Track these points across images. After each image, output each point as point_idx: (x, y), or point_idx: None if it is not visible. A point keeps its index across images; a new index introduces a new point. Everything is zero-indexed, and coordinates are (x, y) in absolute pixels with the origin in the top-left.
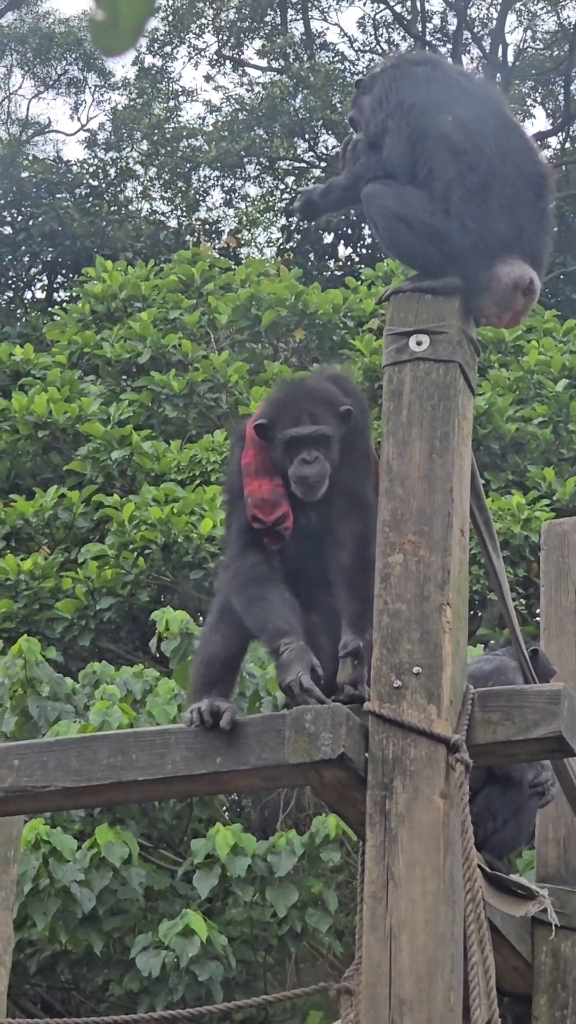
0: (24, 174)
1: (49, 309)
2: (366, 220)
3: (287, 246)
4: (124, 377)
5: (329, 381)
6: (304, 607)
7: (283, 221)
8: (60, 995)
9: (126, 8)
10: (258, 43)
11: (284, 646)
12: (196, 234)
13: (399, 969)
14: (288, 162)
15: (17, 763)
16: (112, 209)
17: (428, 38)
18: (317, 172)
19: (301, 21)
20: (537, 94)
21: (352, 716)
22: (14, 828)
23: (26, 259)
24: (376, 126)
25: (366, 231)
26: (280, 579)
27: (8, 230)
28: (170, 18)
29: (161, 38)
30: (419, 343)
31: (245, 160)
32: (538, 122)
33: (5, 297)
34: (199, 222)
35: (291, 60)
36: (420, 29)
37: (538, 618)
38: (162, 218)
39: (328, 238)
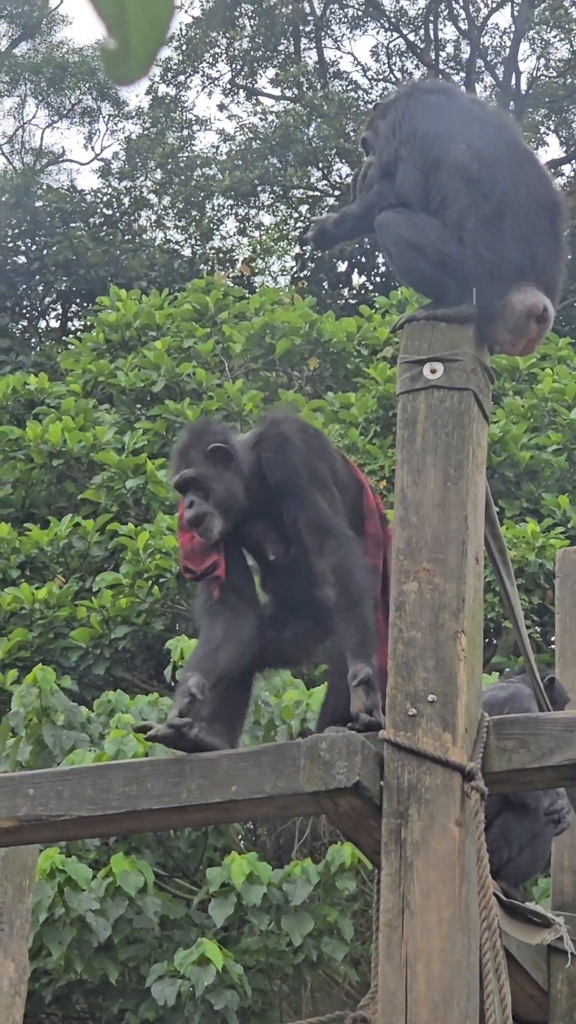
0: (38, 203)
1: (63, 338)
2: (380, 248)
3: (301, 274)
4: (138, 406)
5: (262, 422)
6: (303, 643)
7: (297, 249)
8: None
9: (138, 37)
10: (272, 72)
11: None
12: (210, 263)
13: (415, 997)
14: (302, 191)
15: (32, 792)
16: (126, 238)
17: (441, 66)
18: (331, 200)
19: (315, 50)
20: (550, 122)
21: (367, 744)
22: (29, 857)
23: (40, 288)
24: (390, 154)
25: (380, 259)
26: (228, 615)
27: (22, 259)
28: (183, 47)
29: (175, 67)
30: (433, 371)
31: (259, 189)
32: (551, 150)
33: (19, 326)
34: (213, 251)
35: (305, 89)
36: (433, 58)
37: (553, 646)
38: (176, 247)
39: (342, 266)
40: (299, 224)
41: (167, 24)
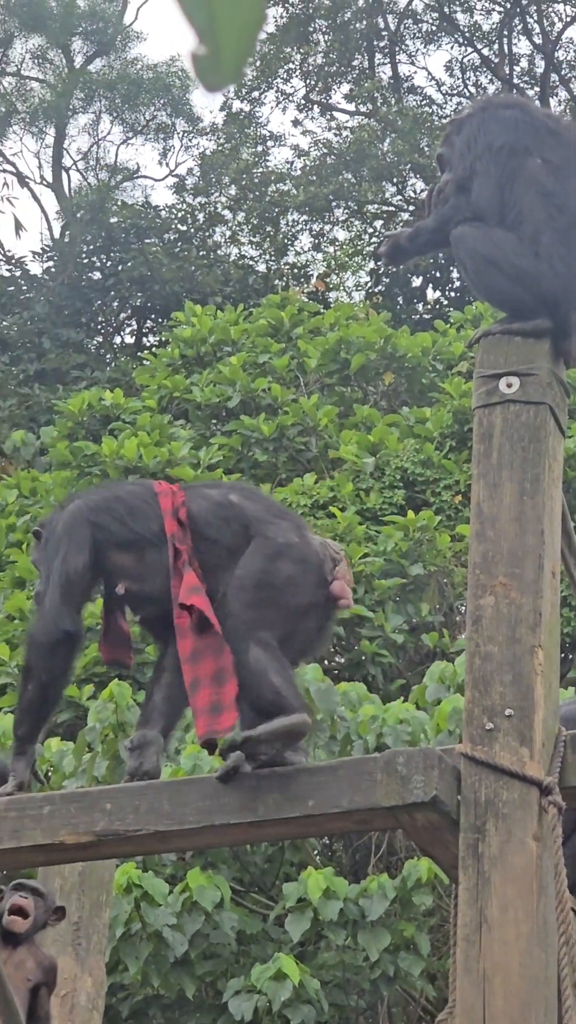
0: (113, 219)
1: (139, 354)
2: (455, 263)
3: (376, 290)
4: (214, 421)
5: None
6: None
7: (371, 265)
8: None
9: (228, 43)
10: (346, 87)
11: None
12: (285, 278)
13: (493, 1012)
14: (376, 206)
15: (109, 807)
16: (201, 254)
17: (516, 81)
18: (405, 216)
19: (389, 65)
20: None
21: (444, 759)
22: (106, 872)
23: (115, 304)
24: (465, 168)
25: (455, 274)
26: (161, 674)
27: (98, 275)
28: (258, 63)
29: (249, 83)
30: (509, 385)
31: (333, 204)
32: None
33: (95, 342)
34: (288, 266)
35: (379, 104)
36: (508, 72)
37: None
38: (251, 262)
39: (417, 281)
40: (373, 239)
41: (257, 30)
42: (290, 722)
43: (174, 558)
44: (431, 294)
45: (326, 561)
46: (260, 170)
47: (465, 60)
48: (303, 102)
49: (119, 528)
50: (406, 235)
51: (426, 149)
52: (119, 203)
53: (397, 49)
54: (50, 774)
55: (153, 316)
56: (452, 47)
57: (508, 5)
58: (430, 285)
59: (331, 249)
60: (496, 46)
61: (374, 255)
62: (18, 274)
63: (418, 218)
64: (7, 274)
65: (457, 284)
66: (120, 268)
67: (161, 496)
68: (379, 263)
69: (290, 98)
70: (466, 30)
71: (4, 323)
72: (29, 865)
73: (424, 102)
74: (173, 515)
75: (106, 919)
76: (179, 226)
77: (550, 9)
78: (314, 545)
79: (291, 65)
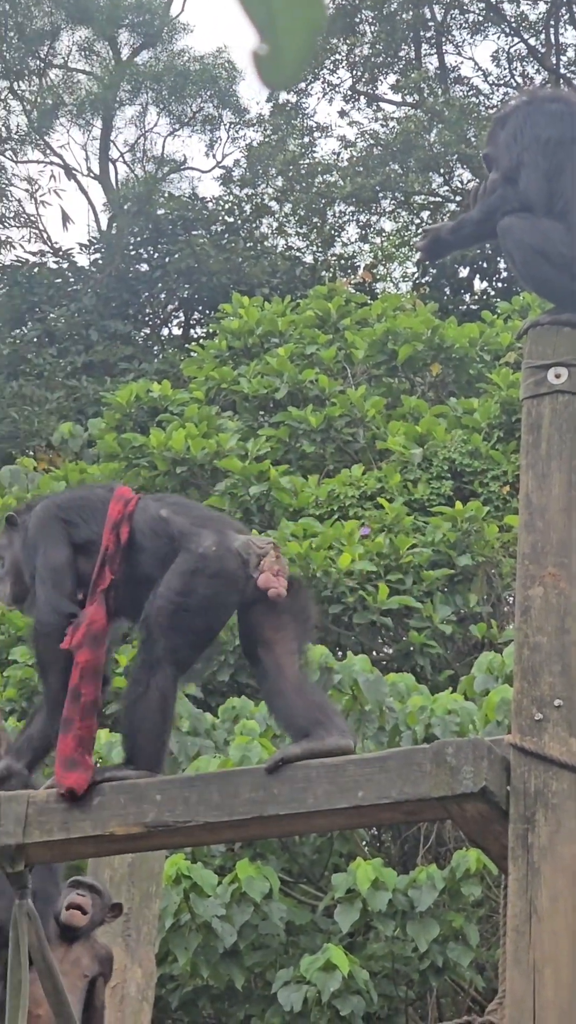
0: (160, 211)
1: (186, 345)
2: (502, 254)
3: (423, 281)
4: (261, 412)
5: None
6: None
7: (418, 256)
8: None
9: (288, 40)
10: (392, 78)
11: None
12: (332, 269)
13: (543, 1003)
14: (423, 197)
15: (159, 798)
16: (248, 245)
17: (563, 71)
18: (452, 206)
19: (435, 55)
20: None
21: (493, 749)
22: (156, 863)
23: (163, 296)
24: (512, 160)
25: (502, 264)
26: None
27: (145, 267)
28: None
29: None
30: (558, 376)
31: (380, 195)
32: None
33: (142, 334)
34: (335, 257)
35: (425, 95)
36: (555, 62)
37: None
38: (298, 254)
39: (464, 272)
40: (420, 230)
41: (319, 27)
42: (135, 775)
43: (98, 576)
44: (478, 284)
45: (249, 559)
46: (307, 161)
47: (512, 50)
48: (349, 93)
49: (84, 528)
50: (448, 228)
51: (473, 140)
52: (166, 195)
53: (444, 39)
54: (99, 765)
55: (200, 308)
56: (499, 37)
57: None
58: (477, 276)
59: (378, 240)
60: (543, 36)
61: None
62: (65, 266)
63: (465, 209)
64: (55, 266)
65: (504, 275)
66: (167, 260)
67: (113, 503)
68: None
69: (336, 89)
70: (513, 20)
71: (52, 315)
72: (79, 856)
73: (471, 92)
74: (113, 527)
75: (156, 910)
76: (226, 217)
77: None
78: (234, 548)
79: (337, 56)
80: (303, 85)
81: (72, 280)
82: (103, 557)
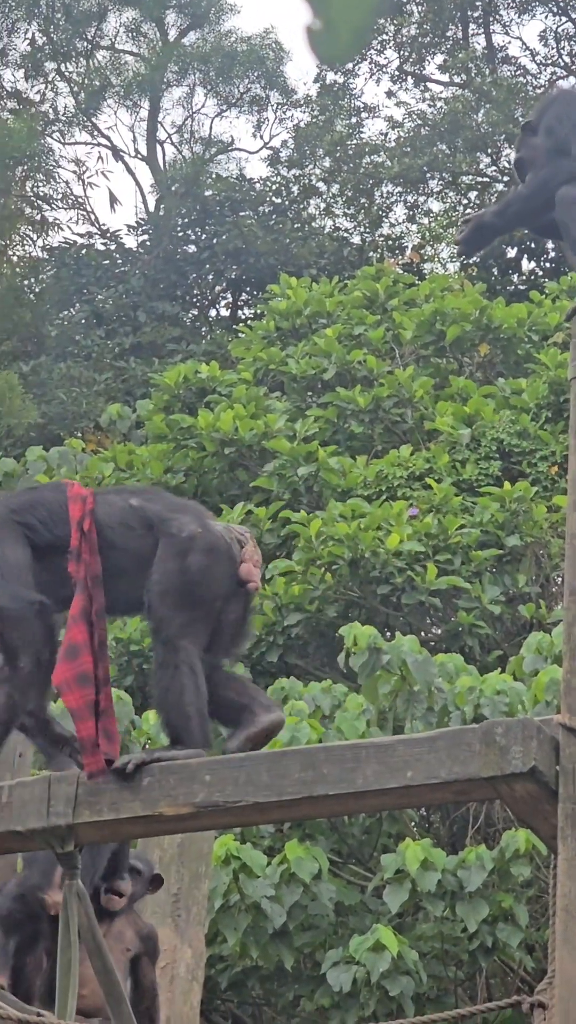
0: (208, 192)
1: (234, 327)
2: (558, 224)
3: (470, 261)
4: (309, 393)
5: None
6: None
7: (457, 250)
8: (251, 1010)
9: (343, 16)
10: (440, 58)
11: None
12: (379, 250)
13: None
14: (471, 177)
15: (209, 779)
16: (295, 226)
17: None
18: (499, 187)
19: (483, 35)
20: None
21: (543, 729)
22: (205, 844)
23: (210, 277)
24: (559, 138)
25: (550, 244)
26: None
27: (192, 248)
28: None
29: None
30: None
31: (428, 175)
32: None
33: (190, 315)
34: (382, 238)
35: (473, 74)
36: None
37: None
38: (345, 234)
39: (511, 252)
40: (468, 210)
41: (374, 5)
42: (183, 759)
43: (75, 572)
44: (526, 265)
45: (232, 544)
46: (354, 142)
47: (559, 30)
48: (397, 73)
49: (42, 531)
50: (492, 211)
51: (520, 119)
52: (213, 176)
53: (491, 19)
54: (147, 747)
55: (248, 289)
56: (546, 17)
57: None
58: (525, 256)
59: (425, 220)
60: None
61: (455, 241)
62: (113, 248)
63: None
64: (102, 248)
65: (552, 254)
66: (215, 241)
67: (71, 503)
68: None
69: (384, 69)
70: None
71: (100, 297)
72: (128, 837)
73: (518, 72)
74: (78, 525)
75: (205, 891)
76: (273, 198)
77: None
78: (217, 531)
79: (385, 36)
80: (350, 65)
81: (120, 261)
82: (75, 553)
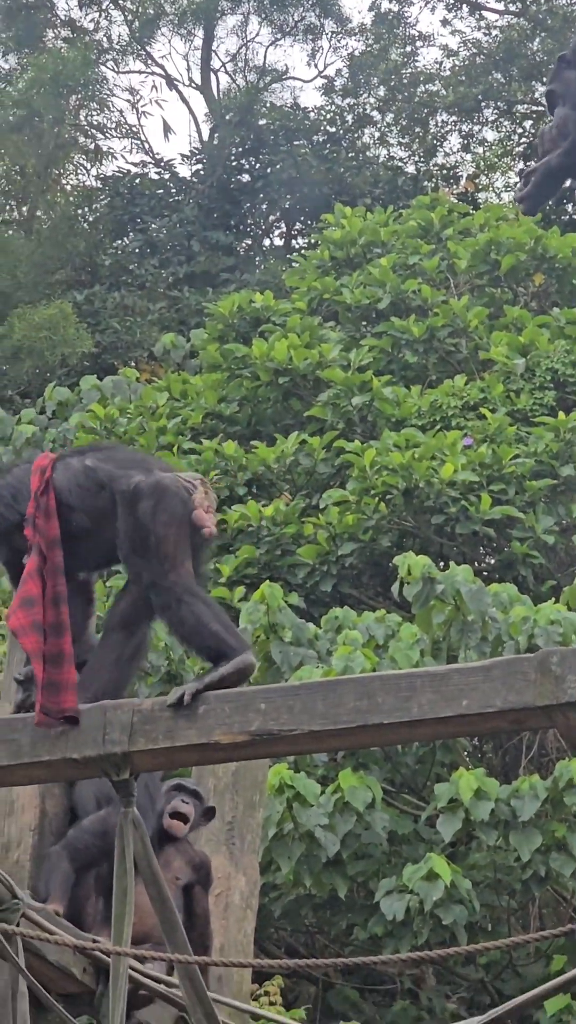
0: (262, 122)
1: (288, 256)
2: None
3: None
4: (364, 323)
5: None
6: None
7: (521, 165)
8: (304, 939)
9: None
10: None
11: None
12: (434, 179)
13: None
14: (526, 106)
15: (264, 707)
16: (350, 156)
17: None
18: None
19: None
20: None
21: None
22: (259, 772)
23: (264, 207)
24: None
25: None
26: None
27: (246, 178)
28: None
29: None
30: None
31: (482, 104)
32: None
33: (244, 244)
34: (437, 167)
35: (528, 3)
36: None
37: None
38: (400, 164)
39: (567, 181)
40: (523, 140)
41: None
42: (233, 667)
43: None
44: None
45: (180, 491)
46: (409, 71)
47: None
48: (452, 2)
49: (7, 513)
50: (556, 156)
51: None
52: (268, 105)
53: None
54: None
55: (302, 218)
56: None
57: None
58: None
59: (480, 150)
60: None
61: (524, 155)
62: (167, 177)
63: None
64: (156, 177)
65: None
66: (269, 170)
67: (32, 476)
68: (528, 164)
69: None
70: None
71: (153, 226)
72: (183, 764)
73: (574, 1)
74: (36, 496)
75: (259, 819)
76: (328, 128)
77: None
78: (166, 481)
79: None
80: None
81: (174, 191)
82: (30, 520)
